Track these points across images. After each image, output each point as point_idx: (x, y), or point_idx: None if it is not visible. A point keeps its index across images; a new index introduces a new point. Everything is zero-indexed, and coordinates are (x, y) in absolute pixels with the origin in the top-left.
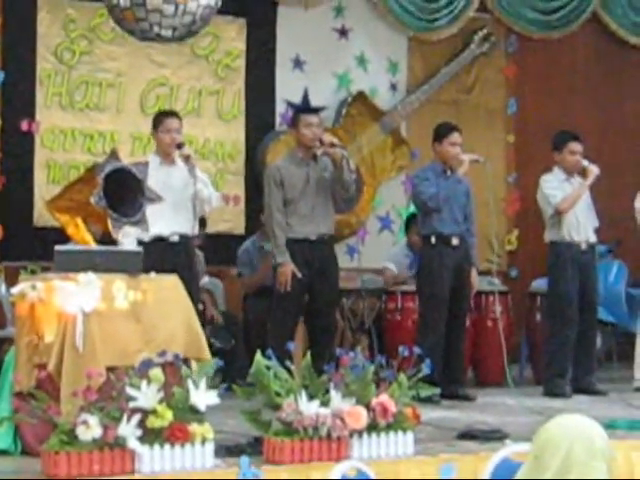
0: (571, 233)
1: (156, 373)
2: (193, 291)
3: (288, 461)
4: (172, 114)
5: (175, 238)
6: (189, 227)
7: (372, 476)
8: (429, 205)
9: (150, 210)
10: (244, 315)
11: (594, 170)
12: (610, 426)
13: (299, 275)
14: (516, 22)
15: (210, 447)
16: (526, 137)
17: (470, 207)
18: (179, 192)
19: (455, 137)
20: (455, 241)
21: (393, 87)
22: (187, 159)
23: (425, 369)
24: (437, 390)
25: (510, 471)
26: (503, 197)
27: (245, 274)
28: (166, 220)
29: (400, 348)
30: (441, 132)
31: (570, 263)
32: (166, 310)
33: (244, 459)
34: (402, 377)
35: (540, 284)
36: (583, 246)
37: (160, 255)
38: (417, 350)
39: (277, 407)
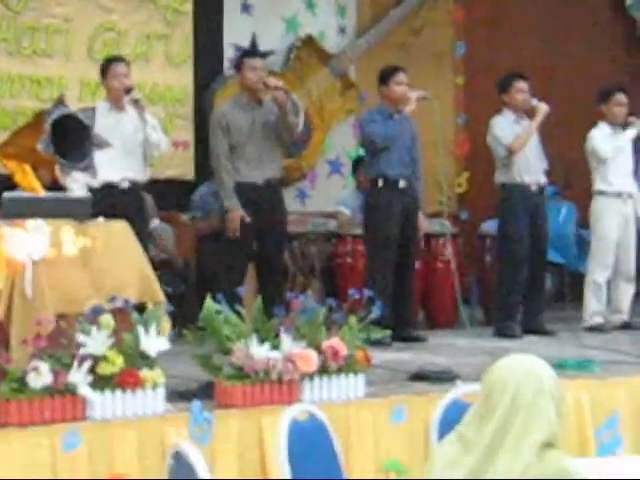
0: (522, 175)
1: (106, 319)
2: (144, 237)
3: (239, 405)
4: (119, 59)
5: (125, 184)
6: (139, 172)
7: (323, 419)
8: (377, 143)
9: (99, 156)
10: (197, 259)
11: (543, 107)
12: (559, 366)
13: (247, 219)
14: None
15: (161, 392)
16: (475, 79)
17: (416, 149)
18: (129, 137)
19: (400, 77)
20: (402, 183)
21: (342, 30)
22: (136, 103)
23: (375, 311)
24: (388, 332)
25: (460, 412)
26: (452, 139)
27: (199, 218)
28: (116, 166)
29: (350, 291)
30: (386, 74)
31: (520, 205)
32: (116, 256)
33: (196, 403)
34: (352, 320)
35: (490, 226)
36: (533, 188)
37: (110, 201)
38: (367, 292)
39: (228, 351)
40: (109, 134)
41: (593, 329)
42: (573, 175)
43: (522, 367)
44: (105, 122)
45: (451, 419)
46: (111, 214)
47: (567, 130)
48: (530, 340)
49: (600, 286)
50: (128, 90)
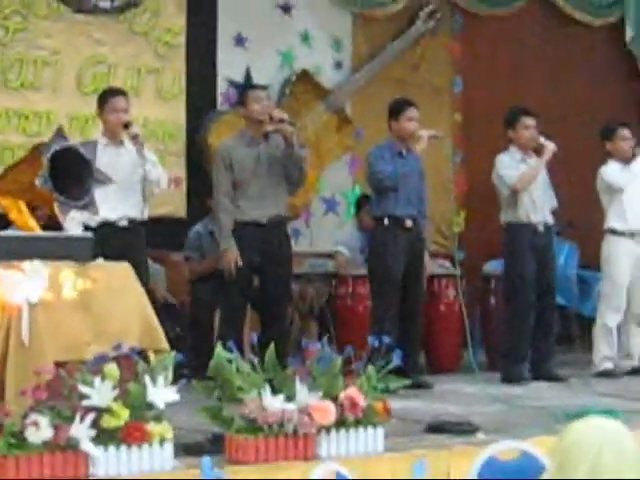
0: (528, 214)
1: (111, 368)
2: (144, 279)
3: (252, 460)
4: (119, 92)
5: (124, 222)
6: (138, 210)
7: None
8: (385, 184)
9: (97, 193)
10: (192, 301)
11: (550, 146)
12: (581, 415)
13: (240, 263)
14: None
15: (169, 447)
16: (473, 116)
17: (424, 188)
18: (127, 174)
19: (412, 112)
20: (409, 223)
21: (338, 65)
22: (135, 138)
23: (395, 360)
24: (407, 382)
25: (497, 471)
26: (450, 178)
27: (194, 258)
28: (114, 204)
29: (369, 338)
30: (397, 108)
31: (527, 245)
32: (118, 299)
33: (206, 460)
34: (371, 369)
35: (494, 266)
36: (540, 227)
37: (109, 241)
38: (386, 340)
39: (239, 403)
40: (107, 170)
41: (604, 374)
42: (574, 214)
43: (599, 433)
44: (103, 158)
45: (487, 477)
46: (111, 254)
47: (567, 168)
48: (540, 387)
49: (611, 330)
50: (127, 125)
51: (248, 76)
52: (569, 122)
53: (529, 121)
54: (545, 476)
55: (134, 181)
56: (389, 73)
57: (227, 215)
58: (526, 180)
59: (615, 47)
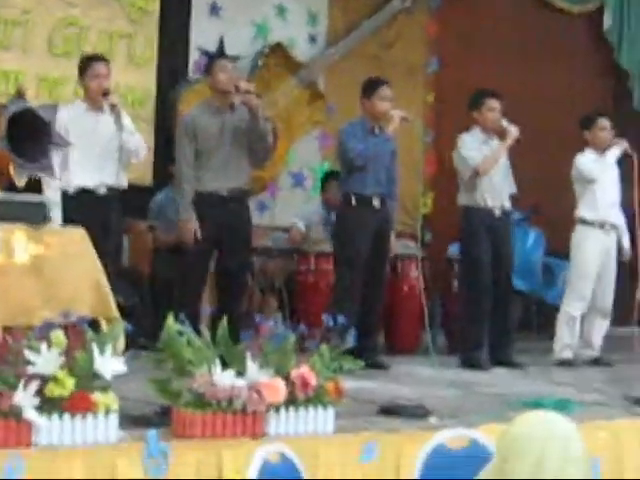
0: (485, 198)
1: (58, 336)
2: (119, 247)
3: (199, 435)
4: (101, 58)
5: (102, 190)
6: (117, 178)
7: (296, 461)
8: (355, 163)
9: (75, 159)
10: (152, 271)
11: (513, 131)
12: (536, 405)
13: (198, 235)
14: None
15: (114, 419)
16: (445, 97)
17: (394, 168)
18: (106, 141)
19: (385, 91)
20: (376, 202)
21: (312, 39)
22: (113, 108)
23: (350, 340)
24: (361, 363)
25: (445, 458)
26: (419, 158)
27: (158, 227)
28: (92, 170)
29: (324, 317)
30: (370, 86)
31: (483, 229)
32: (71, 265)
33: (152, 433)
34: (324, 348)
35: (456, 249)
36: (497, 212)
37: (86, 208)
38: (341, 319)
39: (189, 376)
40: (86, 136)
41: (563, 363)
42: (543, 202)
43: (546, 428)
44: (82, 123)
45: (435, 464)
46: (87, 221)
47: (538, 155)
48: (498, 373)
49: (574, 319)
50: (105, 93)
51: (221, 46)
52: (543, 107)
53: (494, 103)
54: (489, 466)
55: (112, 149)
56: (364, 50)
57: (189, 185)
58: (488, 163)
59: (593, 35)
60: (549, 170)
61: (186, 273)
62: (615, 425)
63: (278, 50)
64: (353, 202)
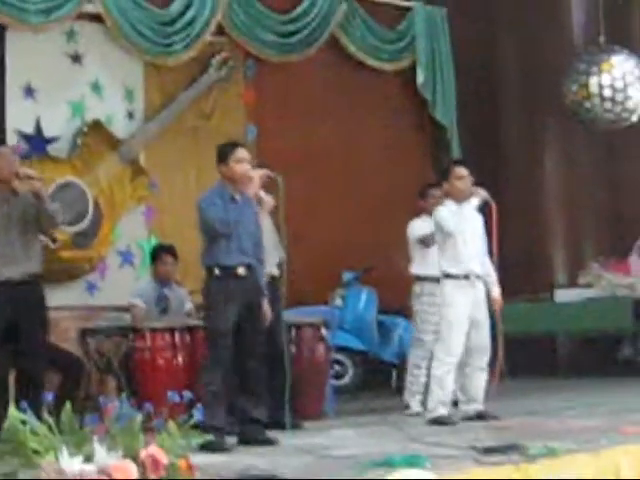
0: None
1: None
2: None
3: None
4: None
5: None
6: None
7: None
8: (219, 230)
9: None
10: None
11: (268, 200)
12: (386, 463)
13: None
14: (253, 45)
15: None
16: (267, 163)
17: (260, 233)
18: None
19: (241, 153)
20: (241, 271)
21: (130, 115)
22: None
23: (196, 415)
24: (209, 437)
25: None
26: None
27: None
28: None
29: (169, 393)
30: (224, 151)
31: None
32: None
33: None
34: (172, 425)
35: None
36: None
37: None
38: (187, 395)
39: (36, 467)
40: None
41: (436, 421)
42: (374, 261)
43: None
44: None
45: None
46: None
47: (364, 217)
48: (346, 434)
49: (446, 375)
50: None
51: (38, 128)
52: (361, 165)
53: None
54: None
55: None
56: (182, 122)
57: None
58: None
59: (409, 91)
60: (374, 230)
61: None
62: (466, 475)
63: (96, 128)
64: (216, 273)
